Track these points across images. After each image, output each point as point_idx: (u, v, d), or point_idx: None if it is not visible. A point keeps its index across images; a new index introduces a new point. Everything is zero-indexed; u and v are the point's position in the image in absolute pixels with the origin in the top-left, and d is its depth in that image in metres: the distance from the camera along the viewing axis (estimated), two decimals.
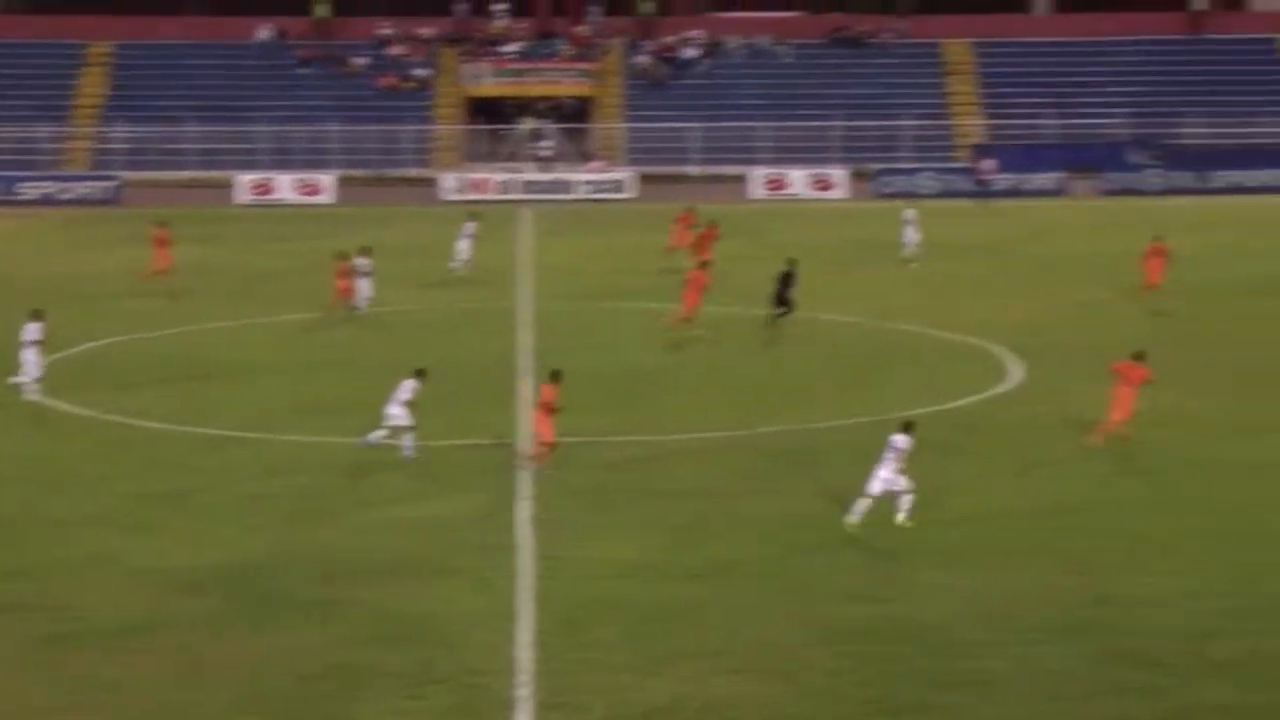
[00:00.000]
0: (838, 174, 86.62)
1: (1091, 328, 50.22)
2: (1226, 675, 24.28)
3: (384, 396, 36.56)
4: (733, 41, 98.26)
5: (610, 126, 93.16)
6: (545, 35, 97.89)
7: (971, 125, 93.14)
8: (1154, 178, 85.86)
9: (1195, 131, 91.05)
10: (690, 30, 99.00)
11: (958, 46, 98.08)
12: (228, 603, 27.54)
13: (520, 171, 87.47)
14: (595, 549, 29.98)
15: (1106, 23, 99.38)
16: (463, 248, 58.87)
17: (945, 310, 52.53)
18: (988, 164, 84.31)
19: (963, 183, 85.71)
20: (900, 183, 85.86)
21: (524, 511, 32.24)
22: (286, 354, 47.55)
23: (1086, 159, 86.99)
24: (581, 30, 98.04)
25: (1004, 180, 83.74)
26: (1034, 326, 49.99)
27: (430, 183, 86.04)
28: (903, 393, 41.61)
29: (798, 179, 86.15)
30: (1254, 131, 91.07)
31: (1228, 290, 55.07)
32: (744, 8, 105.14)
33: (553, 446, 34.63)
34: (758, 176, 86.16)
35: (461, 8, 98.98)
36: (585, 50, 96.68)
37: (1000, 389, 42.39)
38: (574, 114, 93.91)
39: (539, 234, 71.60)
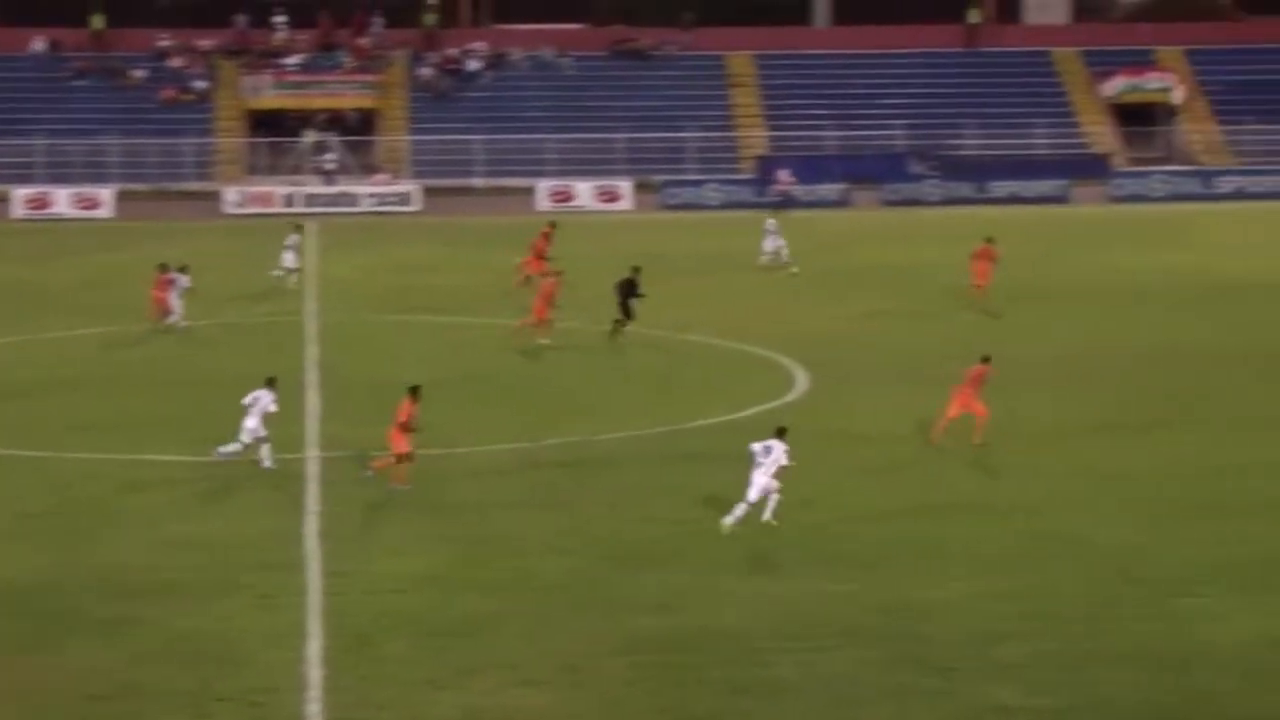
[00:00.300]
0: (623, 186, 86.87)
1: (877, 338, 50.81)
2: (1012, 678, 24.61)
3: (170, 412, 36.06)
4: (516, 54, 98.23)
5: (395, 139, 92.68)
6: (327, 47, 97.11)
7: (755, 137, 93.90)
8: (933, 188, 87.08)
9: (973, 143, 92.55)
10: (473, 42, 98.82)
11: (740, 59, 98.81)
12: (9, 623, 26.95)
13: (304, 185, 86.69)
14: (385, 563, 29.75)
15: (885, 35, 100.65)
16: (288, 259, 58.83)
17: (734, 321, 52.82)
18: (784, 174, 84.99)
19: (746, 194, 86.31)
20: (686, 194, 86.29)
21: (312, 526, 31.92)
22: (71, 370, 46.70)
23: (867, 170, 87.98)
24: (364, 42, 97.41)
25: (796, 191, 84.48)
26: (821, 337, 50.42)
27: (213, 196, 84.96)
28: (692, 403, 41.80)
29: (583, 191, 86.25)
30: (1030, 142, 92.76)
31: (1014, 297, 55.87)
32: (526, 20, 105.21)
33: (410, 459, 34.21)
34: (544, 189, 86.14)
35: (241, 19, 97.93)
36: (368, 62, 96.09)
37: (788, 398, 42.71)
38: (358, 126, 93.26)
39: (324, 247, 70.96)
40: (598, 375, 45.95)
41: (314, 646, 25.79)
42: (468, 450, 37.48)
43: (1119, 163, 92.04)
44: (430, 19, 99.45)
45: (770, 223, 64.35)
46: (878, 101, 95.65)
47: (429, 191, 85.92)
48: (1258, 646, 25.54)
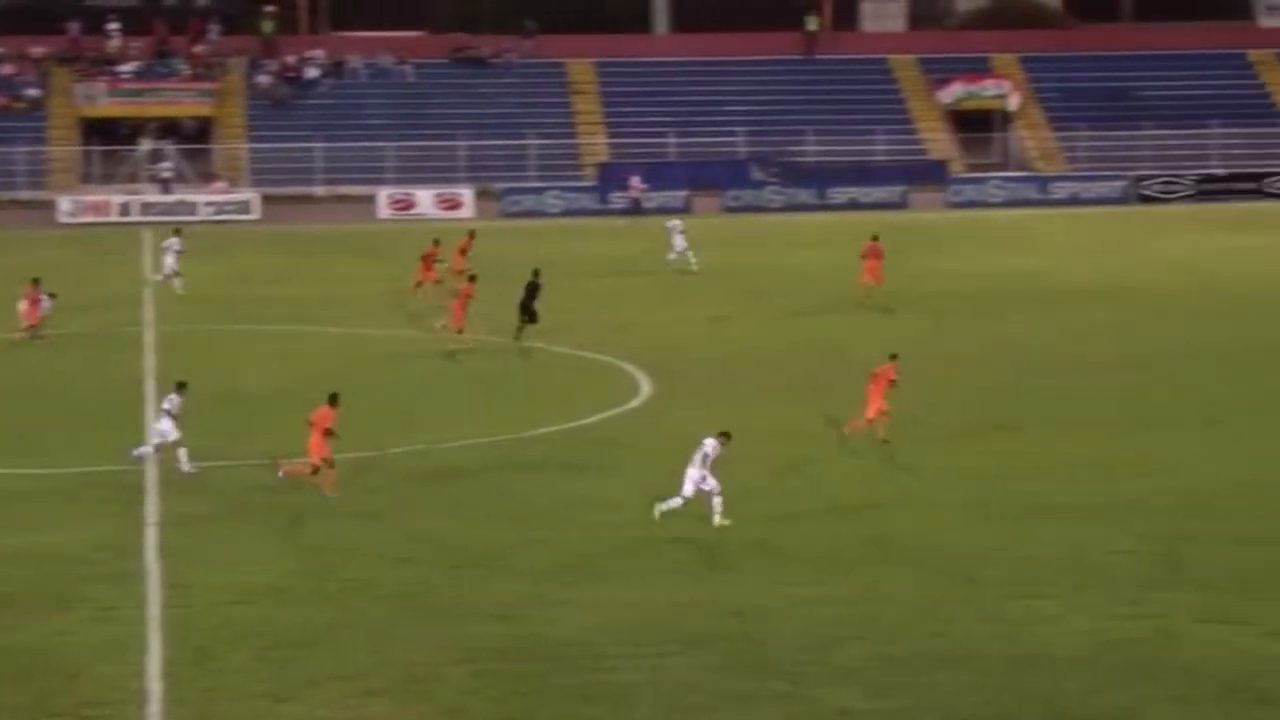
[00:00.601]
0: (465, 193, 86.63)
1: (720, 343, 51.00)
2: (851, 681, 24.76)
3: (4, 424, 35.27)
4: (355, 61, 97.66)
5: (233, 147, 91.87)
6: (163, 55, 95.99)
7: (596, 144, 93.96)
8: (774, 194, 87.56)
9: (813, 149, 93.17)
10: (311, 50, 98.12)
11: (581, 66, 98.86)
12: None
13: (140, 193, 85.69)
14: (226, 575, 29.44)
15: (725, 43, 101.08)
16: (169, 263, 59.36)
17: (577, 328, 52.79)
18: (635, 181, 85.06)
19: (588, 201, 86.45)
20: (528, 202, 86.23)
21: (152, 538, 31.55)
22: None
23: (709, 177, 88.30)
24: (200, 50, 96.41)
25: (645, 198, 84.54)
26: (665, 343, 50.51)
27: (47, 205, 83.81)
28: (534, 411, 41.74)
29: (424, 199, 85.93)
30: (869, 149, 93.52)
31: (858, 302, 56.28)
32: (364, 27, 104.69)
33: (331, 466, 34.17)
34: (384, 196, 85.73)
35: (74, 26, 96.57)
36: (204, 70, 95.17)
37: (631, 405, 42.75)
38: (195, 134, 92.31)
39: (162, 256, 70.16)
40: (440, 383, 45.75)
41: (154, 659, 25.48)
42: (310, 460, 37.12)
43: (957, 169, 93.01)
44: (267, 26, 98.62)
45: (674, 222, 65.06)
46: (718, 108, 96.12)
47: (268, 200, 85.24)
48: (1094, 647, 25.86)
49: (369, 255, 64.56)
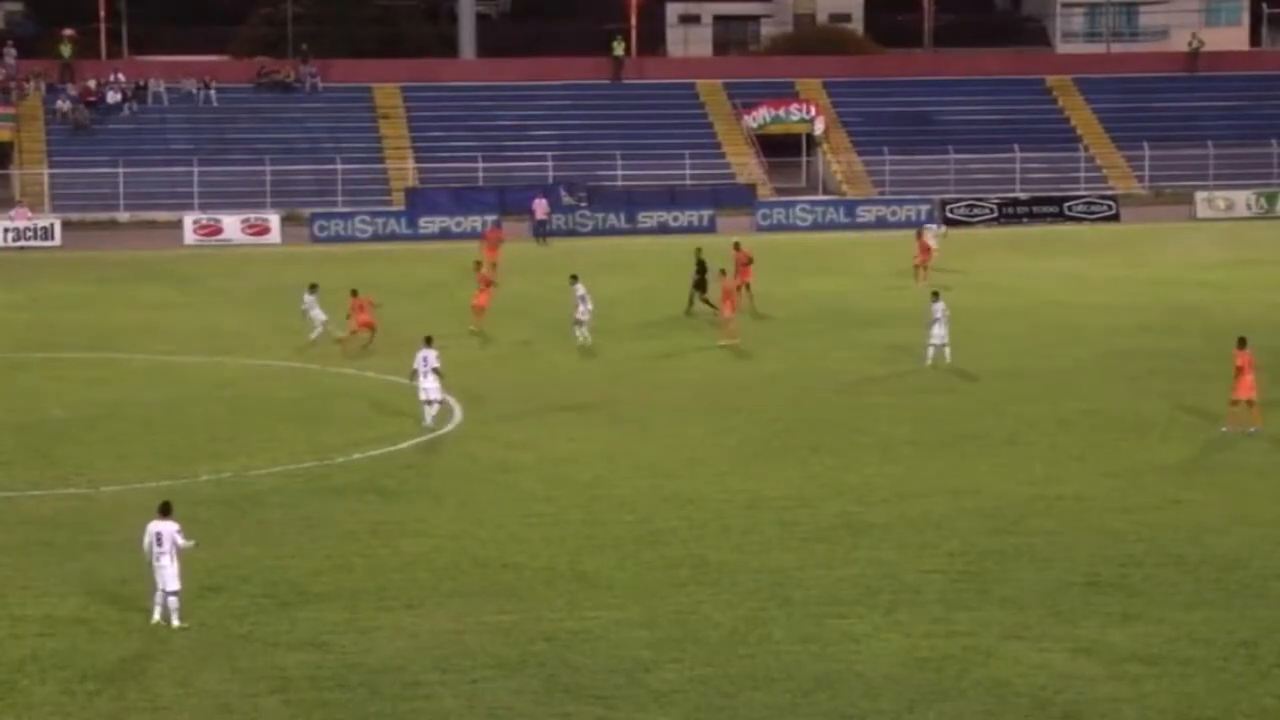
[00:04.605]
0: (272, 218, 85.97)
1: (528, 368, 50.94)
2: (666, 704, 24.78)
3: None
4: (156, 85, 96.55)
5: (33, 172, 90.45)
6: None
7: (404, 168, 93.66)
8: (584, 218, 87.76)
9: (622, 173, 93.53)
10: (111, 74, 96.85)
11: (387, 90, 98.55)
12: None
13: None
14: (30, 606, 28.91)
15: (531, 68, 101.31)
16: None
17: (389, 353, 52.46)
18: (540, 204, 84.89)
19: (397, 225, 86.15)
20: (336, 226, 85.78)
21: None
22: None
23: (516, 201, 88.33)
24: None
25: (557, 220, 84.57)
26: (471, 367, 50.35)
27: None
28: (345, 437, 41.42)
29: (231, 224, 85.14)
30: (677, 173, 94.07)
31: (666, 326, 56.47)
32: (165, 51, 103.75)
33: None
34: (190, 222, 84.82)
35: None
36: (1, 94, 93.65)
37: (443, 431, 42.52)
38: None
39: None
40: (248, 409, 45.25)
41: None
42: (116, 489, 36.62)
43: (764, 193, 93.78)
44: (66, 49, 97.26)
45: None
46: (526, 133, 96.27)
47: (71, 225, 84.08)
48: (905, 666, 26.09)
49: (174, 281, 63.81)
